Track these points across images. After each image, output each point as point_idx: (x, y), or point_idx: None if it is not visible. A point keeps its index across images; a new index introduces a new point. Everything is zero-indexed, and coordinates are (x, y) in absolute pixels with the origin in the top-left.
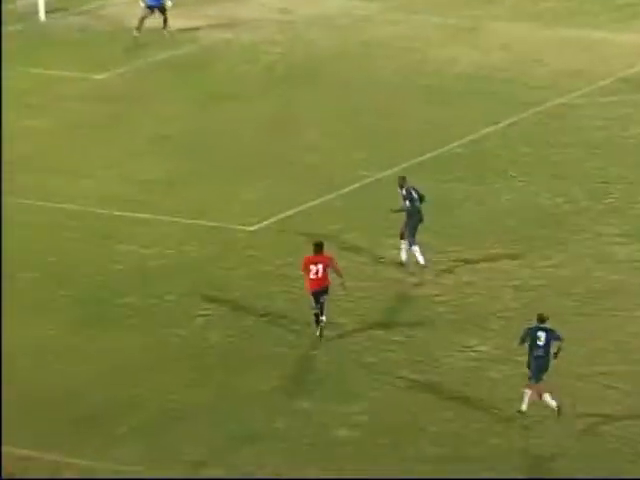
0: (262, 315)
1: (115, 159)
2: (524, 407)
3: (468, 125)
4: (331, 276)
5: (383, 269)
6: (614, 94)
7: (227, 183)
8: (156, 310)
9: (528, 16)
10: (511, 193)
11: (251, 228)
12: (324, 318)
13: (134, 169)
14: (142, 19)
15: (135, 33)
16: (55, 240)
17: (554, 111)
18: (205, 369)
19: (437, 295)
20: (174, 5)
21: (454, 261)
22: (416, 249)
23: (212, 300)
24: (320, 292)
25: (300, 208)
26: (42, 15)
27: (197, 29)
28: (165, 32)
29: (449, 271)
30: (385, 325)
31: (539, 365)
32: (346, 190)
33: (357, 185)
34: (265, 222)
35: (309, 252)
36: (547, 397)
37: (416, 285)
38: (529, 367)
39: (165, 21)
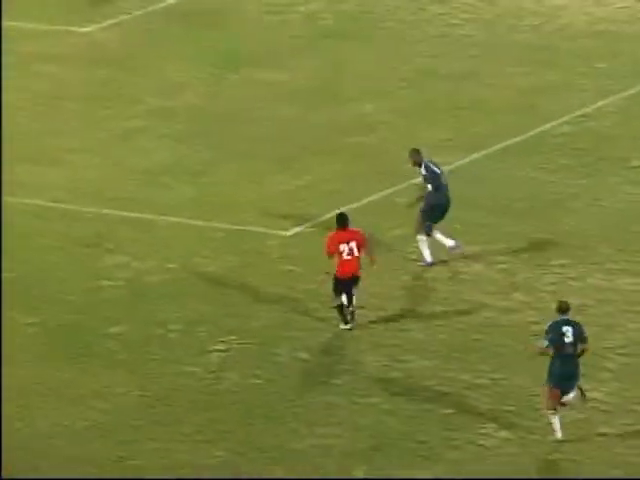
0: (296, 349)
1: (103, 140)
2: (559, 434)
3: (577, 96)
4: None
5: (468, 293)
6: None
7: (252, 173)
8: (156, 343)
9: None
10: (636, 188)
11: (286, 233)
12: (355, 303)
13: (127, 154)
14: None
15: None
16: (19, 248)
17: None
18: (221, 422)
19: (535, 323)
20: None
21: (559, 277)
22: (423, 239)
23: (231, 331)
24: (352, 280)
25: (353, 205)
26: None
27: None
28: None
29: (552, 292)
30: (466, 364)
31: (568, 370)
32: (414, 181)
33: None
34: (304, 225)
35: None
36: (569, 396)
37: (507, 310)
38: (551, 374)
39: None
